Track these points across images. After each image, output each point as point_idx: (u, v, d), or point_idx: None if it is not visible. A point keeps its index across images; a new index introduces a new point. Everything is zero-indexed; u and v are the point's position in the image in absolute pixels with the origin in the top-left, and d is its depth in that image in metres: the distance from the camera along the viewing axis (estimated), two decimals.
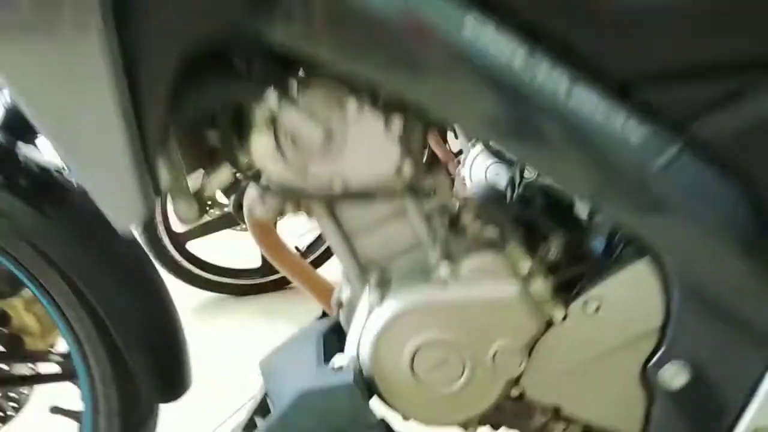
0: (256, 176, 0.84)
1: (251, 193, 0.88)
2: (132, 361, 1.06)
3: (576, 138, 0.71)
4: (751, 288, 0.75)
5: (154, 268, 1.15)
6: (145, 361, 1.08)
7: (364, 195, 0.81)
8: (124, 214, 0.77)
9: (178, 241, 2.33)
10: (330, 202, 0.85)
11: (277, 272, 2.43)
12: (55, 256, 1.00)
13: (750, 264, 0.74)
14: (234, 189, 0.95)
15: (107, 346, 1.05)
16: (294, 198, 0.84)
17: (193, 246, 2.39)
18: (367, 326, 0.83)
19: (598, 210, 0.76)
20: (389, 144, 0.79)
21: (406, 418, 0.85)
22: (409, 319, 0.81)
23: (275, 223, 1.30)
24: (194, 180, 0.84)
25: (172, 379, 1.11)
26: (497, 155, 2.18)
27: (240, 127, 0.82)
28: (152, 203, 0.76)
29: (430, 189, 0.84)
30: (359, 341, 0.84)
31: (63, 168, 1.06)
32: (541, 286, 0.81)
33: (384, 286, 0.84)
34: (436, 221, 0.85)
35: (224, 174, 0.85)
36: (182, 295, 2.45)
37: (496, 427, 0.96)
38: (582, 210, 0.92)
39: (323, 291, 1.17)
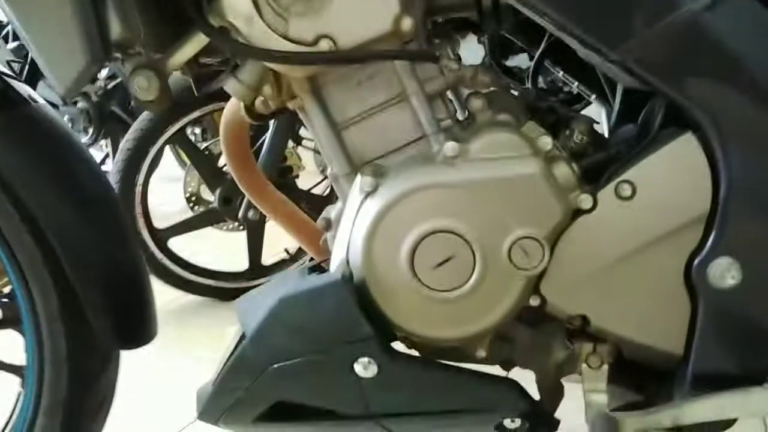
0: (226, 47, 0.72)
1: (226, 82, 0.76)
2: (86, 299, 0.92)
3: None
4: None
5: (119, 204, 1.02)
6: (101, 300, 0.93)
7: (355, 58, 0.69)
8: (65, 68, 0.65)
9: (159, 237, 2.19)
10: (315, 80, 0.74)
11: (265, 276, 2.31)
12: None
13: None
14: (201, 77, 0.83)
15: (56, 279, 0.91)
16: (273, 64, 0.71)
17: (176, 244, 2.25)
18: (358, 220, 0.70)
19: (633, 71, 0.64)
20: None
21: (403, 332, 0.72)
22: (409, 205, 0.68)
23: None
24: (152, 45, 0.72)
25: (132, 322, 0.96)
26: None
27: None
28: (98, 55, 0.65)
29: (434, 62, 0.72)
30: (349, 240, 0.71)
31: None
32: (565, 169, 0.69)
33: (379, 175, 0.71)
34: (440, 105, 0.74)
35: (191, 44, 0.74)
36: (160, 296, 2.30)
37: (507, 366, 0.83)
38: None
39: (309, 233, 1.04)
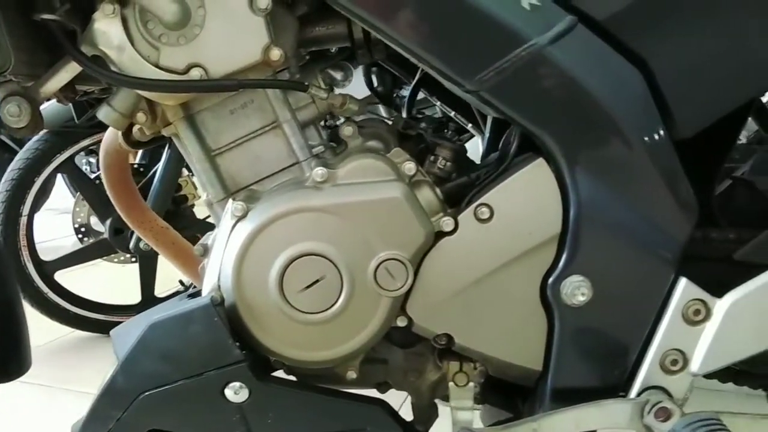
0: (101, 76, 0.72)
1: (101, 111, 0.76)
2: None
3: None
4: (654, 187, 0.69)
5: None
6: None
7: (225, 86, 0.71)
8: None
9: (45, 270, 2.09)
10: (189, 107, 0.74)
11: None
12: None
13: (650, 157, 0.68)
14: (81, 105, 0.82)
15: None
16: (145, 92, 0.72)
17: (63, 277, 2.15)
18: (228, 245, 0.70)
19: (487, 101, 0.68)
20: (254, 22, 0.69)
21: (275, 356, 0.72)
22: (277, 229, 0.69)
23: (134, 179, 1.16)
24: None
25: (3, 355, 0.92)
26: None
27: (81, 9, 0.70)
28: None
29: (303, 91, 0.74)
30: (221, 265, 0.71)
31: None
32: (428, 193, 0.72)
33: (250, 201, 0.72)
34: (313, 132, 0.76)
35: (65, 71, 0.73)
36: (48, 332, 2.19)
37: (382, 388, 0.84)
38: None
39: (190, 259, 1.03)
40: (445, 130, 1.18)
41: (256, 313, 0.70)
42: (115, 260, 2.23)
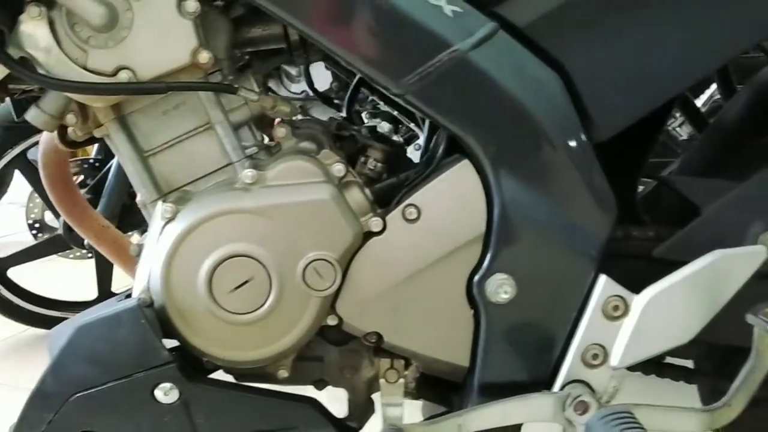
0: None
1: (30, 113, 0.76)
2: None
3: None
4: (574, 188, 0.71)
5: None
6: None
7: (153, 89, 0.71)
8: None
9: None
10: (120, 108, 0.74)
11: None
12: None
13: (570, 158, 0.71)
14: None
15: None
16: (74, 94, 0.71)
17: (16, 273, 2.12)
18: (158, 246, 0.71)
19: (413, 104, 0.70)
20: (182, 25, 0.69)
21: (205, 356, 0.73)
22: (206, 230, 0.70)
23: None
24: None
25: None
26: None
27: (8, 10, 0.70)
28: None
29: (232, 93, 0.74)
30: (150, 268, 0.72)
31: None
32: (358, 194, 0.73)
33: (181, 202, 0.73)
34: (247, 133, 0.76)
35: None
36: (0, 330, 2.17)
37: (320, 385, 0.86)
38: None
39: (129, 257, 1.03)
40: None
41: (186, 314, 0.71)
42: (71, 256, 2.21)
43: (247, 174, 0.71)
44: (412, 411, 0.85)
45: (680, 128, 1.91)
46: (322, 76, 2.21)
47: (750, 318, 0.66)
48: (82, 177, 2.16)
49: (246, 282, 0.70)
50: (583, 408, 0.70)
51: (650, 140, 0.83)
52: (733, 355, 0.75)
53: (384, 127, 1.74)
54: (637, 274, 0.74)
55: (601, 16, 0.70)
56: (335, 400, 0.84)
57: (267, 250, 0.70)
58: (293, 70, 2.18)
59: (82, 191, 1.89)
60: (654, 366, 0.84)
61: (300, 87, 2.55)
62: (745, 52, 0.76)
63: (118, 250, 1.00)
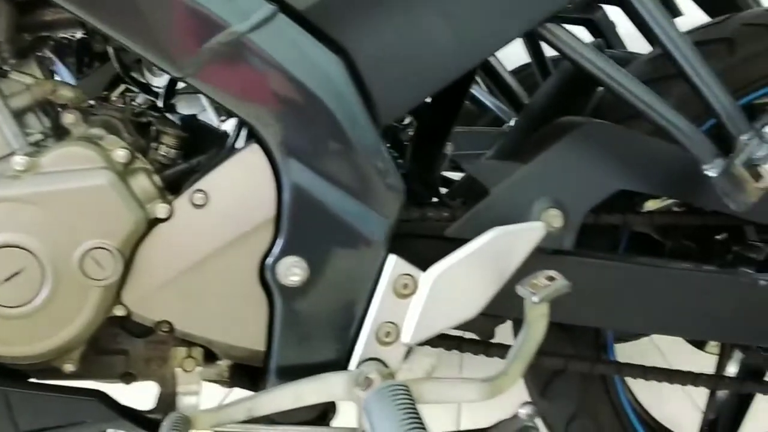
0: None
1: None
2: None
3: None
4: (361, 170, 0.73)
5: None
6: None
7: None
8: None
9: None
10: None
11: None
12: None
13: (355, 141, 0.72)
14: None
15: None
16: None
17: None
18: None
19: (197, 87, 0.69)
20: None
21: None
22: None
23: None
24: None
25: None
26: None
27: None
28: None
29: (12, 77, 0.71)
30: None
31: None
32: (145, 181, 0.71)
33: None
34: (31, 120, 0.73)
35: None
36: None
37: (128, 379, 0.83)
38: None
39: None
40: None
41: None
42: None
43: (17, 161, 0.67)
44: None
45: None
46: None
47: (519, 290, 0.69)
48: None
49: (16, 274, 0.66)
50: (367, 384, 0.71)
51: (448, 123, 0.86)
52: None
53: (210, 115, 1.71)
54: (432, 254, 0.77)
55: (379, 0, 0.71)
56: None
57: (37, 240, 0.66)
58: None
59: None
60: (454, 341, 0.87)
61: (163, 80, 2.46)
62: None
63: None
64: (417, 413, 0.64)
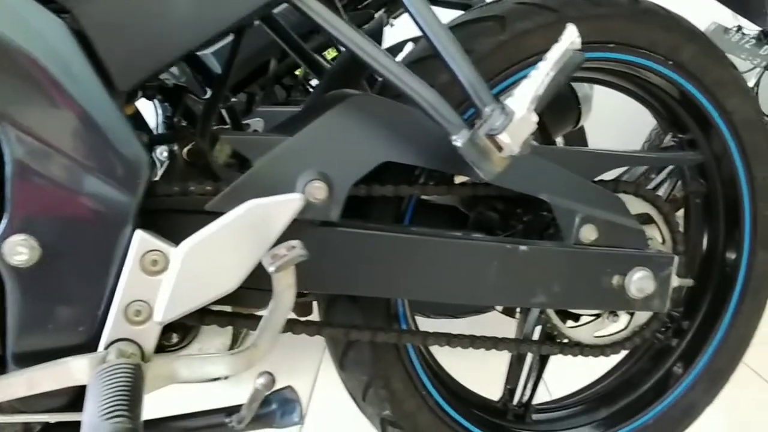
0: None
1: None
2: None
3: None
4: (96, 143, 0.69)
5: None
6: None
7: None
8: None
9: None
10: None
11: None
12: None
13: (86, 111, 0.68)
14: None
15: None
16: None
17: None
18: None
19: None
20: None
21: None
22: None
23: None
24: None
25: None
26: None
27: None
28: None
29: None
30: None
31: None
32: None
33: None
34: None
35: None
36: None
37: None
38: None
39: None
40: None
41: None
42: None
43: None
44: None
45: None
46: None
47: (264, 261, 0.68)
48: None
49: None
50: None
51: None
52: None
53: None
54: (194, 229, 0.74)
55: None
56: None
57: None
58: None
59: None
60: (240, 318, 0.85)
61: None
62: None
63: None
64: (127, 395, 0.61)
